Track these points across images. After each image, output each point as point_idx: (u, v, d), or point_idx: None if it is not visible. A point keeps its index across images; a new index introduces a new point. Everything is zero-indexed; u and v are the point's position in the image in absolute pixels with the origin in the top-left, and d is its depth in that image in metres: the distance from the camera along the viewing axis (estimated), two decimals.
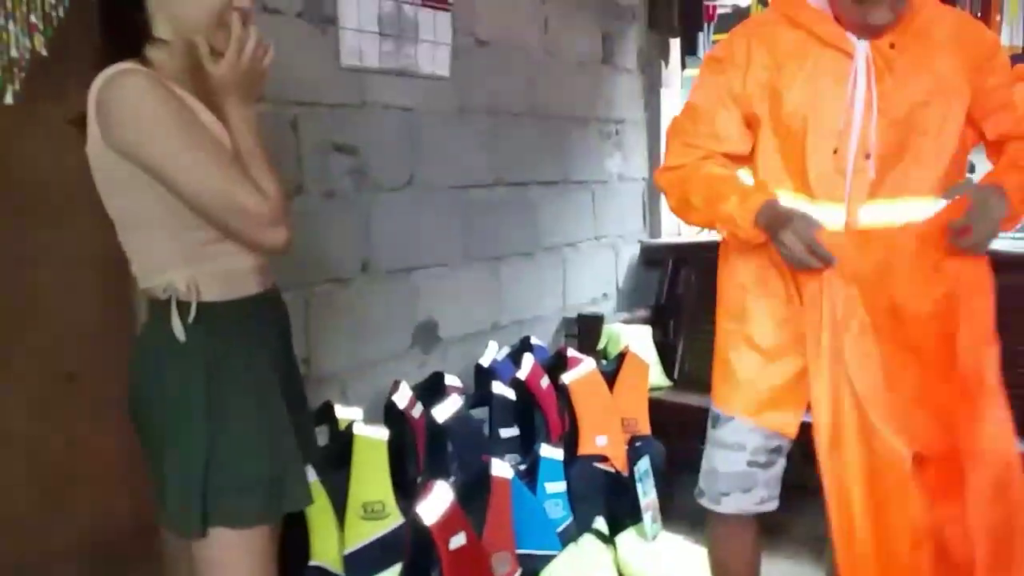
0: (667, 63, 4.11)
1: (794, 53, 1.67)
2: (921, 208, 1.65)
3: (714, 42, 4.30)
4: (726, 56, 1.75)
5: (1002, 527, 1.64)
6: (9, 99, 1.73)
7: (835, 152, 1.63)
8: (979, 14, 5.17)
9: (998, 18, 5.15)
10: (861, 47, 1.62)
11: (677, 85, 4.20)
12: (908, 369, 1.67)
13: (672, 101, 4.12)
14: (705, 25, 4.32)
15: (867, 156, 1.62)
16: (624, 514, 2.59)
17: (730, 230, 1.72)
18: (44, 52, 1.76)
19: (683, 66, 4.27)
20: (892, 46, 1.61)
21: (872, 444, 1.65)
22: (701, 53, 4.23)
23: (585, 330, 3.39)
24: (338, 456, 2.17)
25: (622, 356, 2.91)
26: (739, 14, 4.80)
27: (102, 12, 1.43)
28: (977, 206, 1.56)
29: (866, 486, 1.65)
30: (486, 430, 2.60)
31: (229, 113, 1.39)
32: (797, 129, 1.66)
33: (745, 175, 1.80)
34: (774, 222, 1.61)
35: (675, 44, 4.15)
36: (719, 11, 4.47)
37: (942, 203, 1.65)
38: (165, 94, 1.32)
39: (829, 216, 1.65)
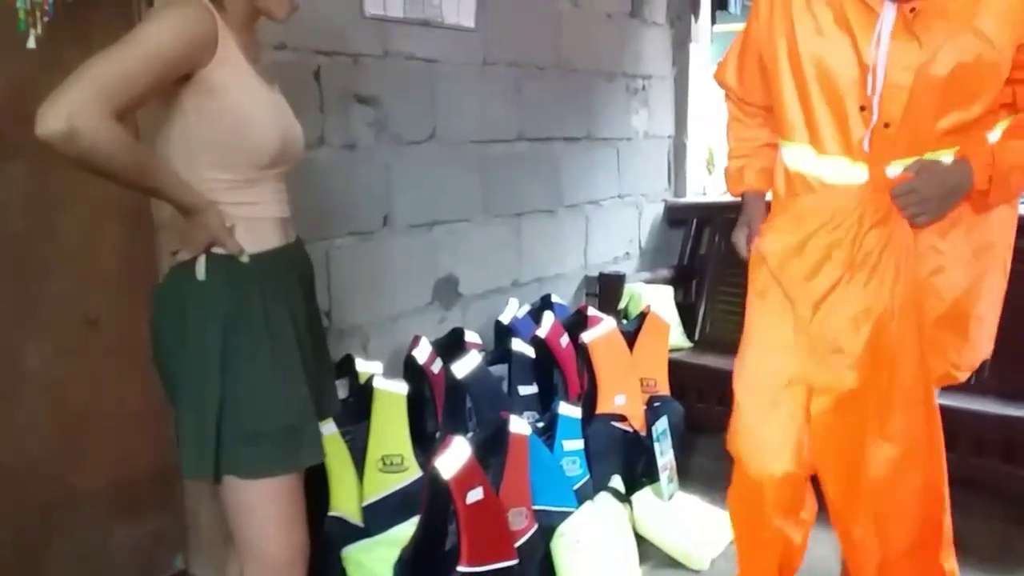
0: (697, 17, 4.02)
1: (828, 1, 1.59)
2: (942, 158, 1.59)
3: None
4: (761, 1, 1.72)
5: None
6: (31, 44, 1.71)
7: (862, 110, 1.57)
8: None
9: None
10: (889, 7, 1.51)
11: (707, 40, 4.11)
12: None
13: (701, 56, 4.03)
14: None
15: (886, 125, 1.55)
16: (641, 473, 2.60)
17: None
18: None
19: (713, 21, 4.18)
20: (913, 11, 1.50)
21: None
22: (732, 8, 4.14)
23: (606, 289, 3.36)
24: (358, 409, 2.18)
25: (643, 316, 2.89)
26: None
27: None
28: (926, 168, 1.55)
29: None
30: (505, 387, 2.60)
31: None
32: (818, 82, 1.61)
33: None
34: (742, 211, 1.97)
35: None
36: None
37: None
38: (200, 20, 1.33)
39: (850, 173, 1.61)
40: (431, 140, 2.73)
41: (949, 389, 1.88)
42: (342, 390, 2.29)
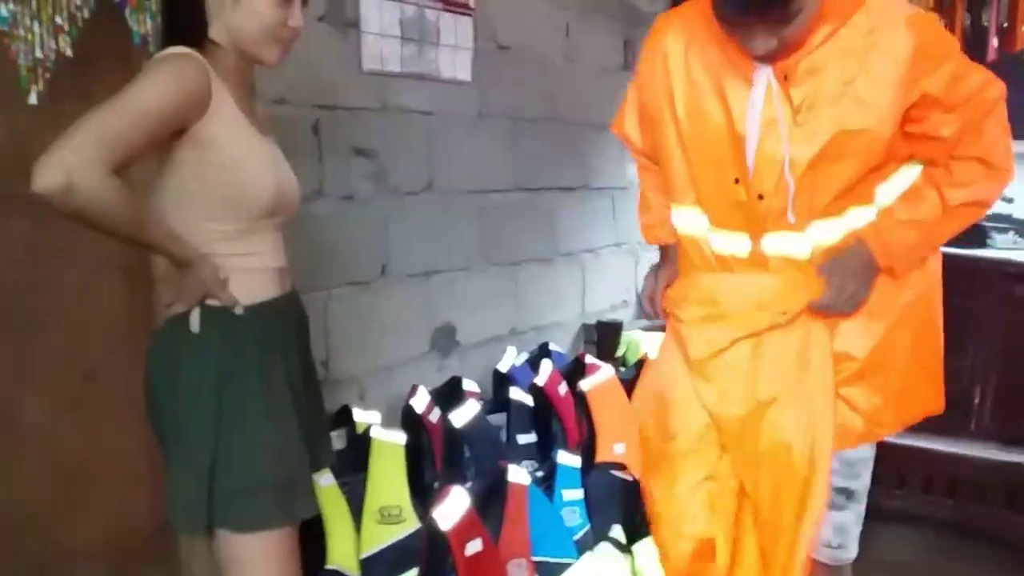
0: None
1: (705, 64, 1.52)
2: (828, 229, 1.53)
3: None
4: (645, 55, 1.66)
5: None
6: (33, 99, 1.74)
7: (736, 182, 1.51)
8: (1005, 23, 5.12)
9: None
10: (762, 75, 1.44)
11: None
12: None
13: None
14: None
15: (760, 197, 1.50)
16: (642, 523, 2.56)
17: None
18: (69, 53, 1.77)
19: None
20: (786, 78, 1.43)
21: None
22: None
23: (603, 337, 3.37)
24: (355, 460, 2.17)
25: (641, 363, 2.89)
26: None
27: (163, 8, 1.52)
28: (836, 270, 1.51)
29: None
30: (503, 436, 2.58)
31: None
32: (699, 149, 1.55)
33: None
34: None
35: None
36: None
37: (850, 218, 1.53)
38: (195, 75, 1.35)
39: (734, 244, 1.57)
40: (428, 191, 2.75)
41: (948, 435, 1.87)
42: (339, 441, 2.28)
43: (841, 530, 1.68)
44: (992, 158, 1.50)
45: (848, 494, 1.67)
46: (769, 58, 1.42)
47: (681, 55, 1.56)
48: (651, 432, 1.76)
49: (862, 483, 1.69)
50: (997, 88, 1.49)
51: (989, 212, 3.23)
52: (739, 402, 1.59)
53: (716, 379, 1.62)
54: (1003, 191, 1.59)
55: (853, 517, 1.70)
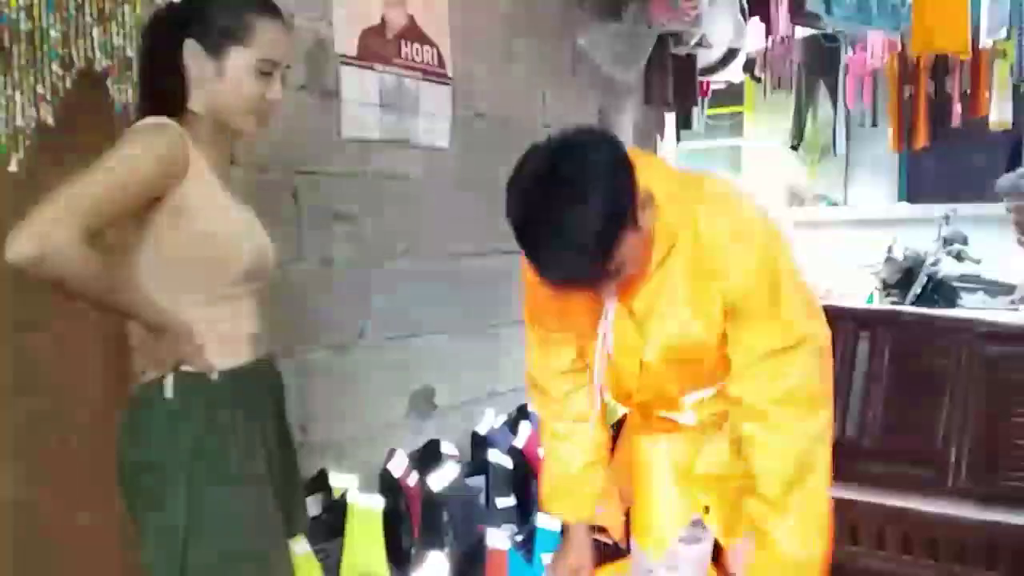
0: (662, 137, 4.18)
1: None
2: (704, 395, 1.64)
3: (708, 117, 4.38)
4: (525, 292, 1.79)
5: None
6: (13, 167, 1.76)
7: (619, 382, 1.66)
8: (968, 90, 5.30)
9: (987, 95, 5.28)
10: (611, 305, 1.56)
11: (672, 159, 4.27)
12: None
13: None
14: (699, 100, 4.42)
15: (633, 394, 1.66)
16: None
17: None
18: (50, 121, 1.80)
19: (678, 140, 4.34)
20: (631, 312, 1.54)
21: None
22: (696, 127, 4.31)
23: None
24: (332, 526, 2.14)
25: (620, 423, 2.88)
26: (732, 90, 4.92)
27: (142, 78, 1.52)
28: None
29: None
30: (482, 499, 2.56)
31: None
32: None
33: None
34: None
35: (670, 118, 4.23)
36: (712, 87, 4.59)
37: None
38: (172, 144, 1.36)
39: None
40: (407, 254, 2.78)
41: (925, 494, 1.86)
42: (316, 506, 2.25)
43: None
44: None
45: None
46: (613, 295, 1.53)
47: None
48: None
49: None
50: (808, 350, 1.47)
51: (959, 273, 3.33)
52: None
53: None
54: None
55: None
